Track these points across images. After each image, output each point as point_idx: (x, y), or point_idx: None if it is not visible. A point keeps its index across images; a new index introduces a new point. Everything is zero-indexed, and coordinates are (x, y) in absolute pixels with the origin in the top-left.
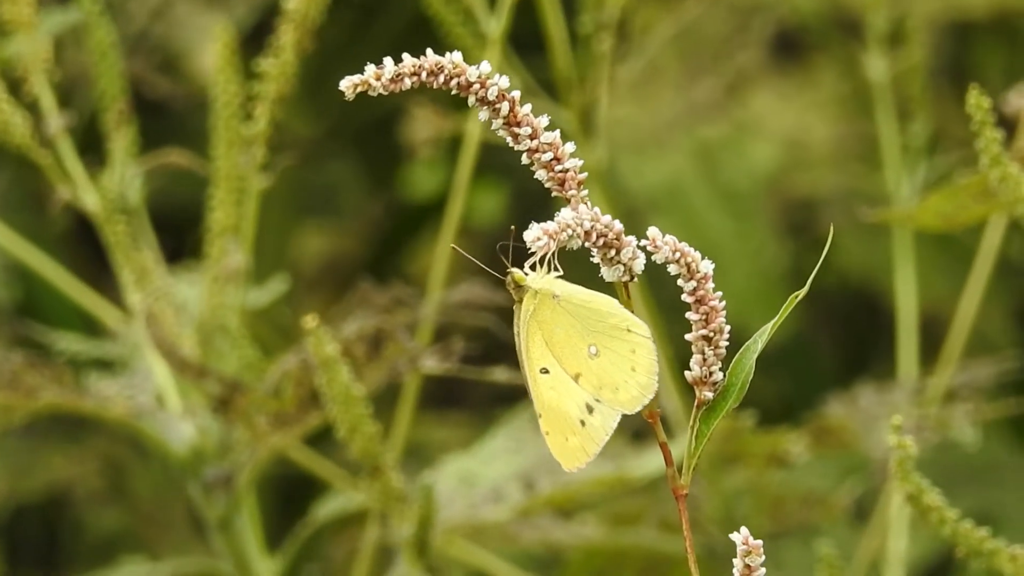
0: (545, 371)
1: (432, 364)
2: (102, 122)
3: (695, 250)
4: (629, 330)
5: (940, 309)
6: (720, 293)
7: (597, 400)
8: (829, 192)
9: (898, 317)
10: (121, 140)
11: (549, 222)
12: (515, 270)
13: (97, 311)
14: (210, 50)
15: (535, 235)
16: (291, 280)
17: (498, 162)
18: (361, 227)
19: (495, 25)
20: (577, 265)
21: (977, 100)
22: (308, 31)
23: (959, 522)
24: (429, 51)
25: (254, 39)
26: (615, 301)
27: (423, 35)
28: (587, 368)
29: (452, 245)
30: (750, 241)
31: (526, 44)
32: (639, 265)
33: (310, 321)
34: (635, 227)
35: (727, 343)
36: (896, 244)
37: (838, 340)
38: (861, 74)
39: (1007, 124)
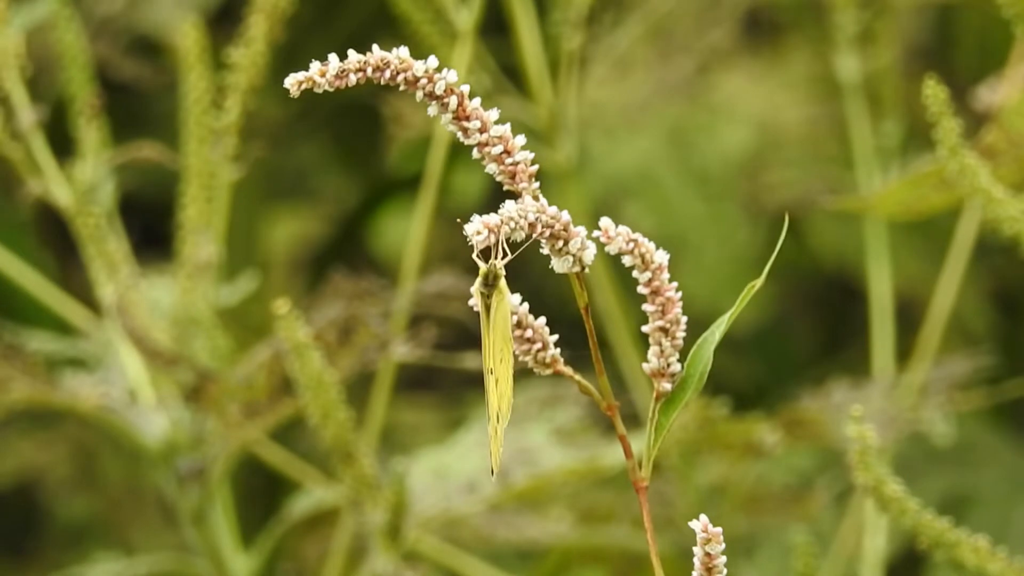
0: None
1: (404, 351)
2: (71, 115)
3: (665, 235)
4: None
5: (916, 291)
6: (676, 284)
7: None
8: (801, 174)
9: (871, 307)
10: (92, 134)
11: (491, 215)
12: (496, 263)
13: (68, 311)
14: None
15: (475, 228)
16: (264, 266)
17: None
18: (335, 209)
19: (466, 17)
20: None
21: (934, 91)
22: (278, 20)
23: (920, 512)
24: (375, 47)
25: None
26: None
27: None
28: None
29: (457, 220)
30: (722, 224)
31: (494, 38)
32: (589, 256)
33: (281, 307)
34: (607, 212)
35: (684, 334)
36: (869, 233)
37: (814, 324)
38: (832, 54)
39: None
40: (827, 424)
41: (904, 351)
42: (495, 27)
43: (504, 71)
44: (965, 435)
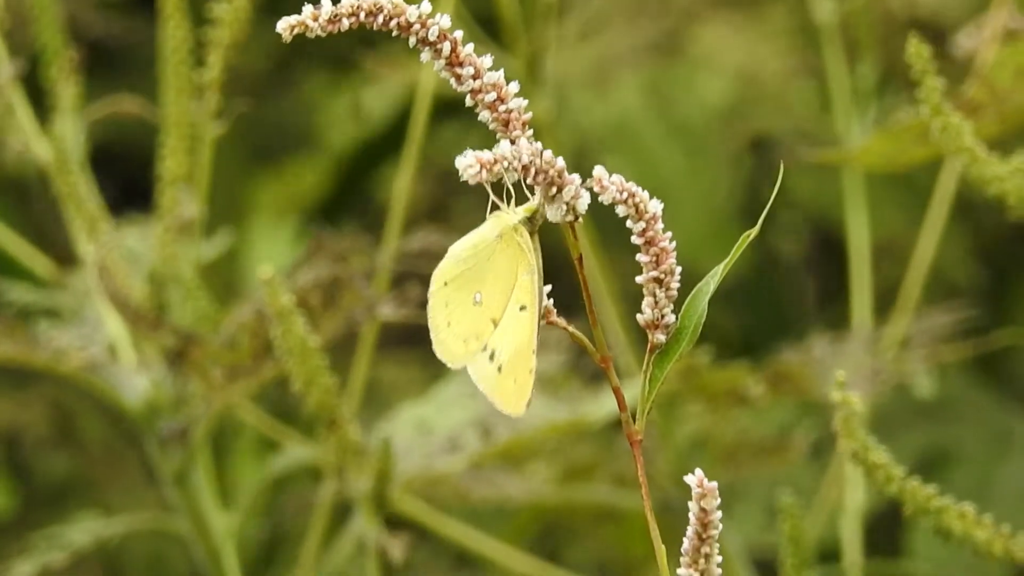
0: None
1: (389, 311)
2: (46, 71)
3: (644, 188)
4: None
5: (898, 246)
6: (670, 233)
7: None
8: (781, 127)
9: (851, 259)
10: (69, 89)
11: (485, 151)
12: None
13: (45, 261)
14: None
15: (468, 163)
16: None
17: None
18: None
19: None
20: None
21: (917, 48)
22: None
23: (906, 479)
24: None
25: None
26: None
27: None
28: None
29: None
30: (702, 178)
31: None
32: (583, 204)
33: (265, 272)
34: (587, 166)
35: (679, 284)
36: (847, 184)
37: (799, 275)
38: (811, 8)
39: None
40: (809, 378)
41: (887, 305)
42: None
43: (480, 23)
44: (947, 390)
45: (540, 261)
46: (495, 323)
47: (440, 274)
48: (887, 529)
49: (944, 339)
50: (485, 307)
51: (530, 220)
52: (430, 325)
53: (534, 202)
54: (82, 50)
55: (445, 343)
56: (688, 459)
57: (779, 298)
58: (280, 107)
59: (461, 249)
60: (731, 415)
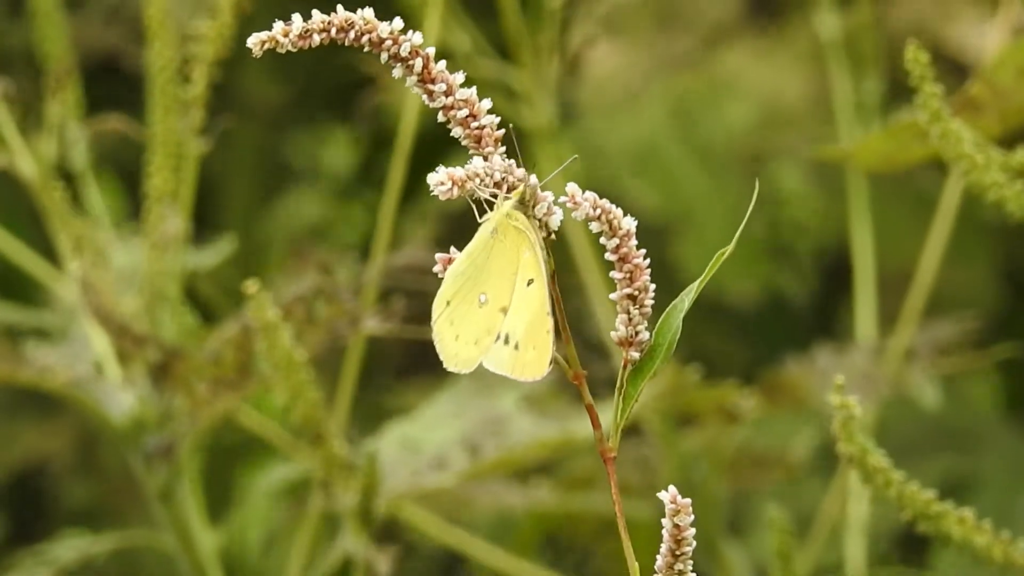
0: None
1: (374, 325)
2: (41, 87)
3: (669, 211)
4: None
5: (904, 263)
6: (644, 251)
7: None
8: (802, 150)
9: (855, 271)
10: (60, 104)
11: (457, 167)
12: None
13: (32, 276)
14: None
15: (439, 179)
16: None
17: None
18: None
19: None
20: None
21: (915, 54)
22: None
23: (905, 484)
24: (339, 7)
25: None
26: None
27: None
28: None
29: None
30: (726, 198)
31: (479, 4)
32: (555, 221)
33: (251, 286)
34: (611, 187)
35: (652, 301)
36: (852, 199)
37: (818, 303)
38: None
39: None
40: (810, 389)
41: (891, 326)
42: None
43: (484, 33)
44: (967, 420)
45: (540, 235)
46: (505, 311)
47: (441, 298)
48: (916, 548)
49: (949, 350)
50: (492, 302)
51: (521, 203)
52: (438, 347)
53: (520, 187)
54: (80, 64)
55: (456, 355)
56: (691, 469)
57: (790, 323)
58: (295, 140)
59: (457, 266)
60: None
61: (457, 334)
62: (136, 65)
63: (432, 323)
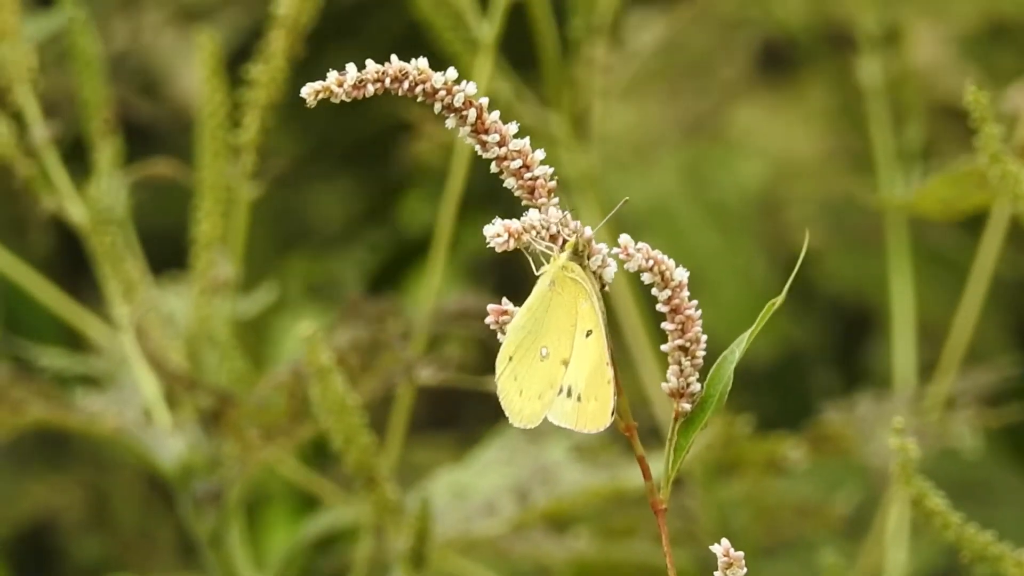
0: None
1: (428, 373)
2: (86, 134)
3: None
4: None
5: (933, 325)
6: (696, 302)
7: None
8: (818, 207)
9: (893, 326)
10: (106, 150)
11: (513, 220)
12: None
13: (81, 325)
14: (192, 70)
15: (495, 231)
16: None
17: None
18: (352, 256)
19: (487, 30)
20: None
21: (975, 96)
22: (298, 37)
23: (963, 526)
24: (394, 57)
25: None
26: None
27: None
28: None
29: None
30: (739, 257)
31: (516, 50)
32: (609, 273)
33: (305, 328)
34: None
35: (704, 353)
36: (891, 253)
37: (833, 358)
38: (850, 86)
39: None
40: (852, 438)
41: (923, 380)
42: (515, 36)
43: (524, 80)
44: (983, 473)
45: (596, 285)
46: (566, 363)
47: (504, 354)
48: None
49: (989, 400)
50: (553, 355)
51: (576, 254)
52: (503, 403)
53: (574, 238)
54: (119, 126)
55: (521, 411)
56: (730, 517)
57: (811, 382)
58: (315, 193)
59: (518, 319)
60: (772, 478)
61: (521, 389)
62: (139, 117)
63: (496, 379)
